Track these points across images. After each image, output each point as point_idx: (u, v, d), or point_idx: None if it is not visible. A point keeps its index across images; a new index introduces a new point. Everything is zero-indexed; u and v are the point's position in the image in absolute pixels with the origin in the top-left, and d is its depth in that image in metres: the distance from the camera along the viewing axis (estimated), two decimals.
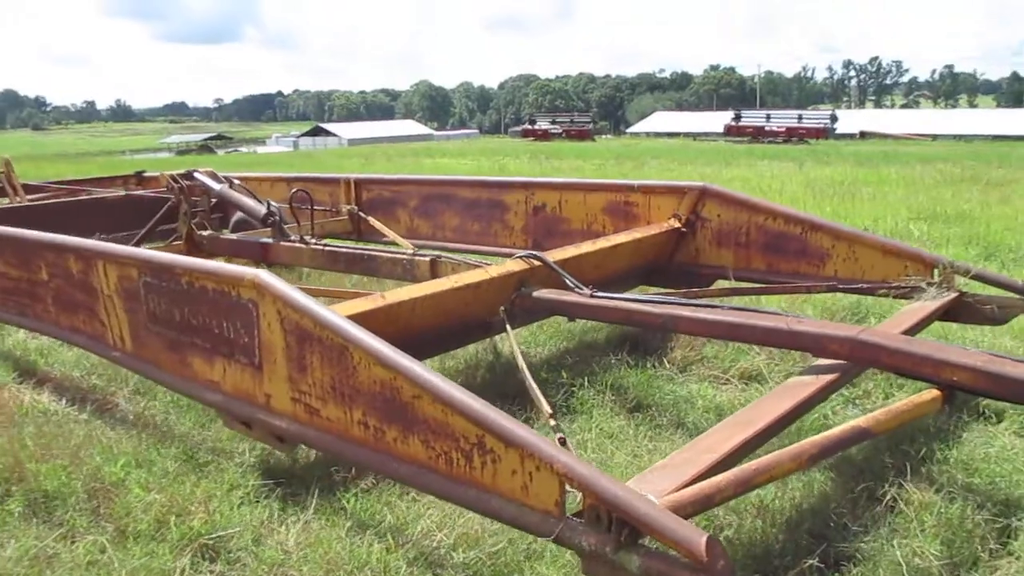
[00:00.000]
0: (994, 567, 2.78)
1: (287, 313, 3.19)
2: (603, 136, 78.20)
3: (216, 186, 6.92)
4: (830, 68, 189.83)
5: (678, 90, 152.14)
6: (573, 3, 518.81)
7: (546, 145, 44.67)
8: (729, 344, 5.02)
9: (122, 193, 9.65)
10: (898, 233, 8.82)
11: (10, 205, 8.91)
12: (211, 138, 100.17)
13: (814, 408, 3.37)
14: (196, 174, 7.13)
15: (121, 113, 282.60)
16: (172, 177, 7.06)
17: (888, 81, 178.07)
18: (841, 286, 4.74)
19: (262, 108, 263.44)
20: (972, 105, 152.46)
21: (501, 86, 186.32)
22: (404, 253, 5.54)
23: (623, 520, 2.21)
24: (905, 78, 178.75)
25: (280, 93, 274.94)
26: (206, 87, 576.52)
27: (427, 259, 5.29)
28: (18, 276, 5.30)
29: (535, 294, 4.38)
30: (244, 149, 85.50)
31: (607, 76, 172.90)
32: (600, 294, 4.27)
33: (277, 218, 6.30)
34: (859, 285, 4.69)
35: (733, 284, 5.03)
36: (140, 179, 10.70)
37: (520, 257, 4.55)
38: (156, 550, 2.87)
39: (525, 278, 4.45)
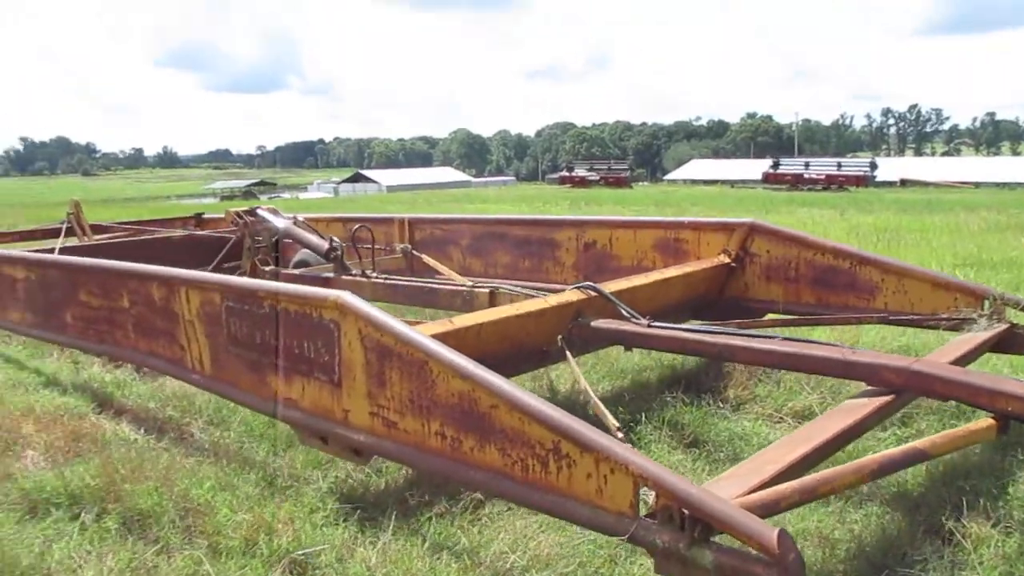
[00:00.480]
0: None
1: (368, 331, 3.40)
2: (640, 183, 78.50)
3: (280, 223, 7.23)
4: (868, 116, 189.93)
5: (715, 138, 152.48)
6: (609, 52, 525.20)
7: (584, 192, 45.04)
8: (780, 384, 5.14)
9: (185, 233, 10.09)
10: None
11: (80, 244, 9.34)
12: (255, 184, 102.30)
13: (870, 428, 3.46)
14: (260, 211, 7.45)
15: (167, 160, 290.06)
16: (237, 213, 7.39)
17: (928, 129, 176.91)
18: (892, 318, 4.85)
19: (303, 155, 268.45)
20: (1015, 153, 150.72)
21: (538, 134, 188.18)
22: (463, 285, 5.76)
23: (696, 518, 2.36)
24: (945, 125, 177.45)
25: (321, 140, 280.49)
26: (249, 135, 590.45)
27: (486, 291, 5.50)
28: (99, 305, 5.61)
29: (593, 324, 4.56)
30: (287, 195, 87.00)
31: (643, 124, 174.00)
32: (657, 324, 4.45)
33: (339, 253, 6.58)
34: (909, 317, 4.80)
35: (783, 317, 5.16)
36: (199, 221, 11.16)
37: (577, 288, 4.75)
38: (249, 564, 3.06)
39: (582, 308, 4.64)
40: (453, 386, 3.05)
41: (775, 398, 4.94)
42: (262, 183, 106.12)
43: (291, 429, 4.07)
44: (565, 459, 2.70)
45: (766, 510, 2.45)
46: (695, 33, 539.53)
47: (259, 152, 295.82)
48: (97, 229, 10.45)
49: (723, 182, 67.01)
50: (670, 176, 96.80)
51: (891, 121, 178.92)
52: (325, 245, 6.70)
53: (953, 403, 4.46)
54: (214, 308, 4.41)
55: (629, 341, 4.57)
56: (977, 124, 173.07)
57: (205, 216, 11.24)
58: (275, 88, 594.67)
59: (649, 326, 4.45)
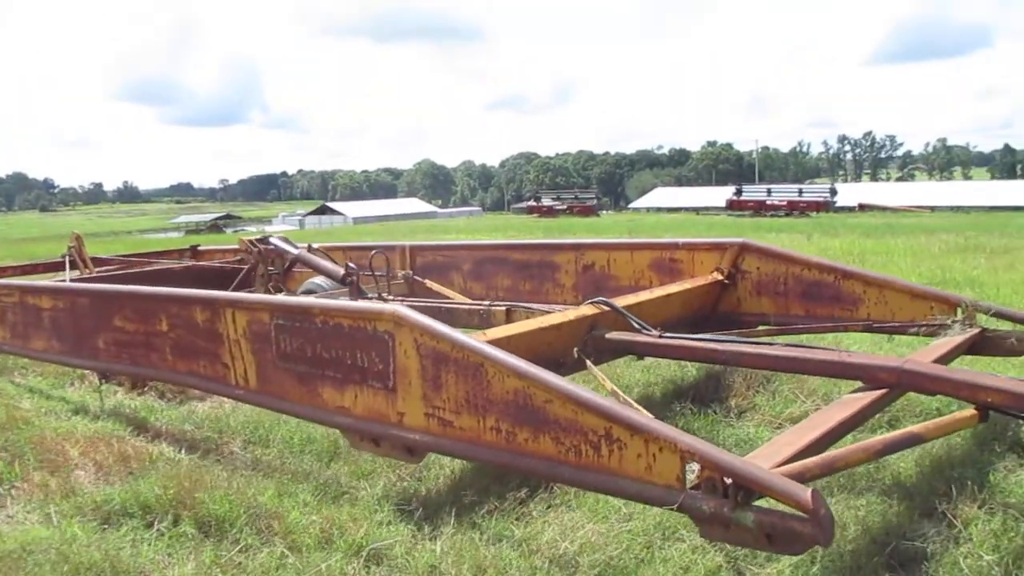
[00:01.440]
0: None
1: (424, 340, 3.77)
2: (605, 212, 79.61)
3: (294, 250, 7.59)
4: (825, 143, 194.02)
5: (676, 166, 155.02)
6: (571, 82, 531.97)
7: (554, 221, 45.69)
8: (776, 394, 5.60)
9: (188, 263, 10.40)
10: None
11: (88, 276, 9.59)
12: (220, 218, 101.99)
13: (867, 419, 3.89)
14: (273, 240, 7.80)
15: (128, 194, 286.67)
16: (251, 242, 7.72)
17: (883, 155, 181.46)
18: (875, 326, 5.33)
19: (267, 188, 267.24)
20: (967, 177, 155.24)
21: (502, 164, 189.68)
22: (481, 304, 6.16)
23: (738, 484, 2.76)
24: (900, 151, 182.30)
25: (284, 173, 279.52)
26: (211, 168, 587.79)
27: (503, 309, 5.90)
28: (134, 330, 5.90)
29: (608, 335, 4.97)
30: (252, 228, 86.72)
31: (606, 153, 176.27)
32: (668, 334, 4.88)
33: (355, 278, 6.94)
34: (891, 325, 5.28)
35: (775, 328, 5.61)
36: (195, 253, 11.46)
37: (591, 303, 5.17)
38: (330, 557, 3.41)
39: (596, 321, 5.05)
40: (509, 384, 3.43)
41: (773, 406, 5.38)
42: (228, 216, 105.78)
43: (341, 435, 4.41)
44: (616, 443, 3.09)
45: (795, 479, 2.86)
46: (655, 63, 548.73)
47: (222, 185, 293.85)
48: (97, 262, 10.70)
49: (687, 210, 68.30)
50: (634, 204, 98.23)
51: (847, 148, 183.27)
52: (341, 271, 7.06)
53: (934, 407, 4.97)
54: (263, 327, 4.75)
55: (642, 350, 4.98)
56: (930, 149, 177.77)
57: (201, 248, 11.55)
58: (237, 121, 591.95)
59: (660, 336, 4.89)
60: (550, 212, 61.82)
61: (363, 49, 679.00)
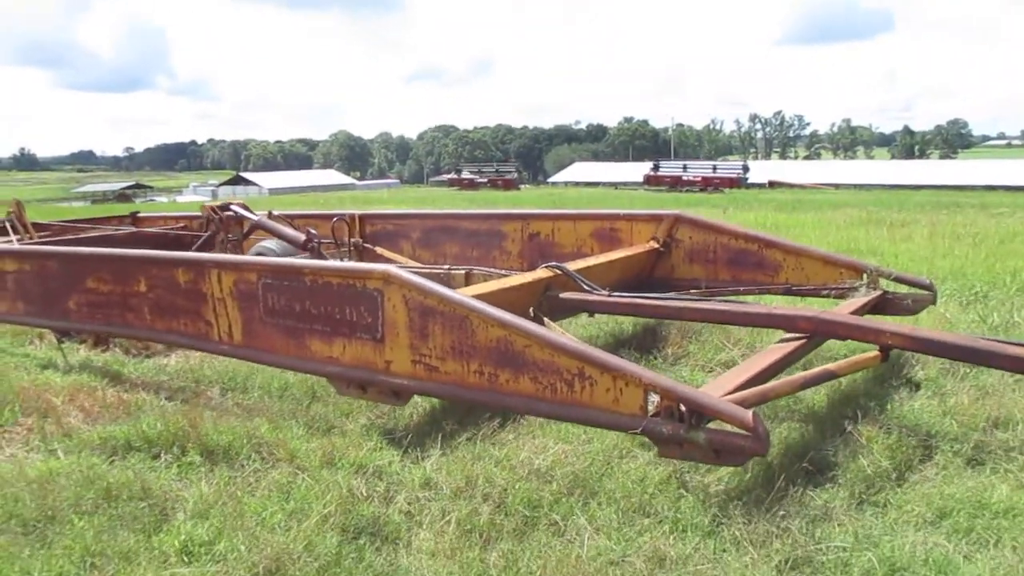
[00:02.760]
0: (921, 470, 4.02)
1: (412, 295, 4.26)
2: (524, 186, 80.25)
3: (254, 217, 7.90)
4: (737, 121, 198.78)
5: (594, 141, 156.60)
6: (489, 56, 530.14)
7: (478, 194, 46.09)
8: (707, 343, 6.27)
9: (132, 230, 10.52)
10: None
11: (37, 241, 9.63)
12: (128, 187, 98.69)
13: (793, 363, 4.57)
14: (233, 207, 8.09)
15: (25, 162, 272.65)
16: (212, 209, 8.01)
17: (792, 134, 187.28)
18: (793, 289, 6.04)
19: (175, 157, 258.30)
20: (869, 157, 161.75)
21: (420, 136, 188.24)
22: (441, 268, 6.64)
23: (692, 410, 3.39)
24: (807, 131, 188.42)
25: (194, 142, 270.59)
26: (115, 136, 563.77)
27: (462, 272, 6.40)
28: (109, 290, 6.17)
29: (562, 295, 5.55)
30: (162, 199, 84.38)
31: (524, 127, 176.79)
32: (616, 293, 5.48)
33: (316, 244, 7.33)
34: (806, 288, 5.99)
35: (706, 291, 6.27)
36: (135, 219, 11.51)
37: (546, 267, 5.73)
38: (336, 474, 3.89)
39: (550, 284, 5.62)
40: (492, 333, 3.96)
41: (704, 353, 6.05)
42: (137, 186, 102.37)
43: (328, 382, 4.86)
44: (588, 380, 3.68)
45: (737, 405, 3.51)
46: (573, 39, 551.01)
47: (127, 154, 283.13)
48: (37, 227, 10.69)
49: (605, 184, 69.34)
50: (553, 179, 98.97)
51: (758, 126, 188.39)
52: (302, 237, 7.44)
53: (843, 353, 5.70)
54: (249, 286, 5.14)
55: (594, 308, 5.58)
56: (835, 129, 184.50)
57: (141, 215, 11.62)
58: (141, 87, 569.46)
59: (609, 295, 5.48)
60: (471, 185, 62.17)
61: (276, 16, 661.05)
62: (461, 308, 4.09)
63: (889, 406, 4.83)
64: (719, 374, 5.65)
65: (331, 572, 3.07)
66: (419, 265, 7.43)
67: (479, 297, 4.94)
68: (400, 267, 5.78)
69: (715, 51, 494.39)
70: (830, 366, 4.23)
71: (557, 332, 4.21)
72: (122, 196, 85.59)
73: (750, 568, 2.98)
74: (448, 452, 4.19)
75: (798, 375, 4.03)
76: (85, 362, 6.66)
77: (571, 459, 4.03)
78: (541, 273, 5.64)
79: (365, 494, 3.70)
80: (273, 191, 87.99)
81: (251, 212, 8.12)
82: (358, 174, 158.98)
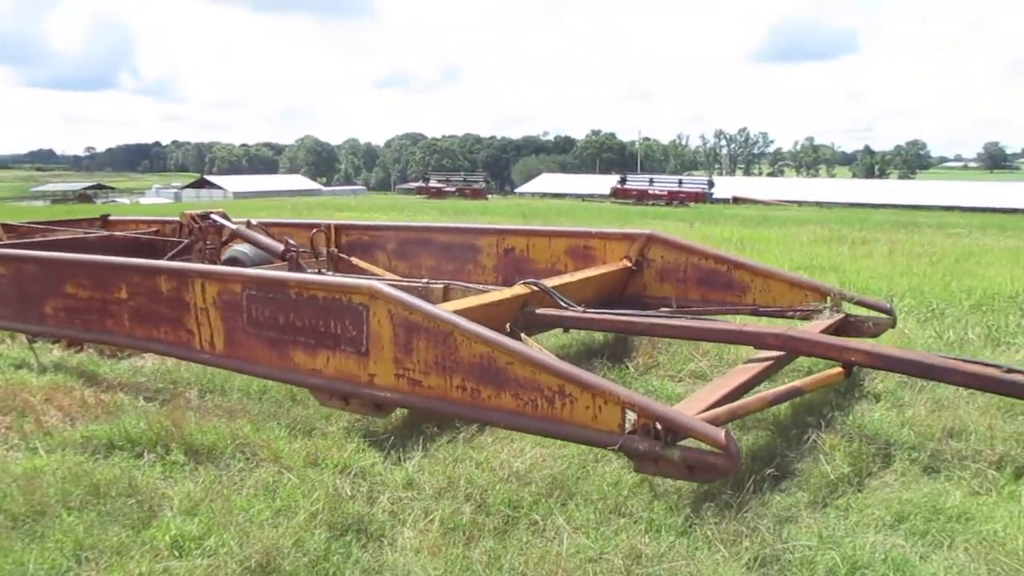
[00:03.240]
0: (881, 476, 4.23)
1: (397, 311, 4.39)
2: (492, 196, 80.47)
3: (232, 226, 7.96)
4: (703, 137, 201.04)
5: (561, 153, 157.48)
6: (458, 65, 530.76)
7: (447, 203, 46.13)
8: (676, 354, 6.45)
9: (104, 234, 10.48)
10: None
11: (8, 243, 9.56)
12: (89, 187, 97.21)
13: (761, 382, 4.77)
14: (213, 215, 8.14)
15: None
16: (192, 217, 8.05)
17: (756, 151, 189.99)
18: (760, 310, 6.24)
19: (137, 158, 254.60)
20: (831, 175, 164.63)
21: (387, 144, 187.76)
22: (419, 282, 6.75)
23: (667, 428, 3.55)
24: (771, 148, 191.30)
25: (157, 143, 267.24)
26: (76, 135, 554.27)
27: (440, 286, 6.53)
28: (89, 297, 6.19)
29: (538, 311, 5.70)
30: (124, 200, 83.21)
31: (492, 137, 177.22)
32: (591, 310, 5.65)
33: (295, 254, 7.40)
34: (773, 309, 6.21)
35: (676, 310, 6.46)
36: (105, 222, 11.46)
37: (523, 283, 5.87)
38: (322, 474, 4.00)
39: (527, 300, 5.77)
40: (475, 349, 4.10)
41: (674, 363, 6.23)
42: (98, 186, 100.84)
43: (310, 393, 4.95)
44: (568, 397, 3.83)
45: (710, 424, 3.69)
46: (542, 50, 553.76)
47: (88, 153, 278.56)
48: (6, 228, 10.61)
49: (572, 196, 69.85)
50: (520, 189, 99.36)
51: (723, 142, 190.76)
52: (280, 247, 7.50)
53: (806, 367, 5.92)
54: (233, 296, 5.20)
55: (569, 324, 5.74)
56: (798, 147, 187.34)
57: (112, 218, 11.58)
58: (104, 86, 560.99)
59: (584, 311, 5.65)
60: (439, 194, 62.20)
61: (244, 18, 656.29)
62: (445, 324, 4.22)
63: (850, 417, 5.04)
64: (689, 384, 5.87)
65: (320, 567, 3.17)
66: (397, 278, 7.53)
67: (460, 313, 5.05)
68: (382, 281, 5.90)
69: (683, 67, 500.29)
70: (796, 383, 4.45)
71: (536, 349, 4.36)
72: (83, 196, 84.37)
73: (722, 565, 3.14)
74: (429, 454, 4.31)
75: (767, 392, 4.24)
76: (60, 362, 6.67)
77: (548, 462, 4.17)
78: (519, 289, 5.78)
79: (350, 493, 3.80)
80: (238, 195, 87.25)
81: (230, 221, 8.17)
82: (324, 180, 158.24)
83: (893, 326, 5.96)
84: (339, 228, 8.90)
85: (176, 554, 3.26)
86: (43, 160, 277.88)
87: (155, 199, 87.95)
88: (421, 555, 3.29)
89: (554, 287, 5.95)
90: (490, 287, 6.96)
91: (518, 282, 5.98)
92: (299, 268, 7.41)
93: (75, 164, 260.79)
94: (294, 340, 4.92)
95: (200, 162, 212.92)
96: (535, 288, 5.79)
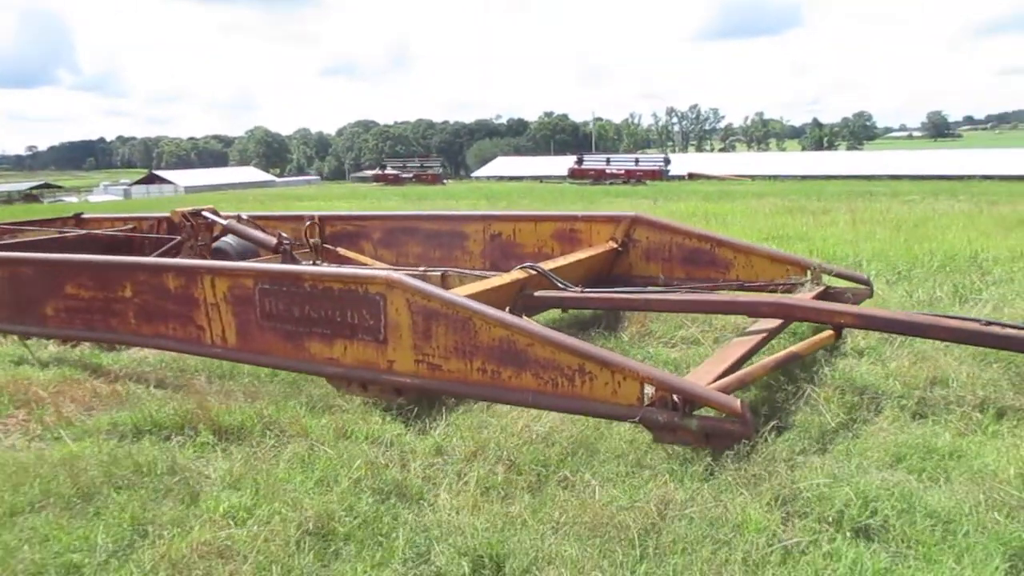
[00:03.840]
0: (875, 422, 4.52)
1: (415, 299, 4.55)
2: (448, 181, 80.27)
3: (223, 221, 8.04)
4: (655, 115, 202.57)
5: (515, 136, 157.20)
6: (407, 50, 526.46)
7: (405, 189, 46.03)
8: (667, 321, 6.70)
9: (82, 232, 10.46)
10: None
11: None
12: (36, 187, 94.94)
13: (759, 350, 5.05)
14: (204, 212, 8.21)
15: None
16: (184, 215, 8.12)
17: (707, 127, 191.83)
18: (745, 286, 6.51)
19: (82, 155, 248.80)
20: (781, 149, 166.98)
21: (339, 132, 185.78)
22: (416, 270, 6.89)
23: (685, 399, 3.80)
24: (722, 124, 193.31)
25: (102, 139, 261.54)
26: (15, 134, 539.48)
27: (438, 273, 6.71)
28: (91, 296, 6.24)
29: (537, 294, 5.91)
30: (72, 199, 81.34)
31: (445, 122, 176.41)
32: (589, 290, 5.88)
33: (288, 247, 7.51)
34: (755, 284, 6.47)
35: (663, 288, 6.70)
36: (79, 221, 11.40)
37: (521, 268, 6.08)
38: (354, 445, 4.17)
39: (525, 284, 5.97)
40: (495, 333, 4.30)
41: (666, 331, 6.48)
42: (45, 185, 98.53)
43: (327, 382, 5.10)
44: (588, 375, 4.06)
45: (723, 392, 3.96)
46: (491, 33, 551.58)
47: (30, 152, 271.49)
48: None
49: (528, 178, 70.07)
50: (476, 173, 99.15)
51: (675, 120, 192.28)
52: (273, 240, 7.61)
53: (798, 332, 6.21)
54: (245, 291, 5.32)
55: (568, 304, 5.97)
56: (748, 123, 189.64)
57: (85, 216, 11.52)
58: (42, 82, 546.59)
59: (582, 292, 5.88)
60: (396, 180, 61.91)
61: (186, 9, 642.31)
62: (464, 310, 4.41)
63: (838, 372, 5.33)
64: (682, 349, 6.13)
65: (373, 527, 3.36)
66: (386, 266, 7.67)
67: (473, 295, 5.22)
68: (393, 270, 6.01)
69: (633, 46, 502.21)
70: (793, 348, 4.79)
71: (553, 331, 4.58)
72: (29, 196, 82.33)
73: (748, 504, 3.39)
74: (451, 423, 4.50)
75: (768, 359, 4.60)
76: (60, 357, 6.73)
77: (567, 426, 4.39)
78: (517, 274, 5.98)
79: (384, 461, 3.99)
80: (189, 189, 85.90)
81: (220, 217, 8.26)
82: (277, 171, 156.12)
83: (871, 296, 6.29)
84: (324, 219, 8.99)
85: (232, 523, 3.42)
86: None
87: (104, 196, 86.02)
88: (463, 513, 3.48)
89: (550, 270, 6.16)
90: (480, 272, 7.17)
91: (515, 267, 6.18)
92: (293, 260, 7.54)
93: (17, 164, 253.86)
94: (309, 331, 5.05)
95: (148, 157, 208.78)
96: (532, 272, 6.00)
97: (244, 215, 8.43)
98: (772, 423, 4.38)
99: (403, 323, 4.64)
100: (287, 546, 3.19)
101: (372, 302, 4.74)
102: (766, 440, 4.14)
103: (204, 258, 8.07)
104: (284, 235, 7.69)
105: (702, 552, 3.05)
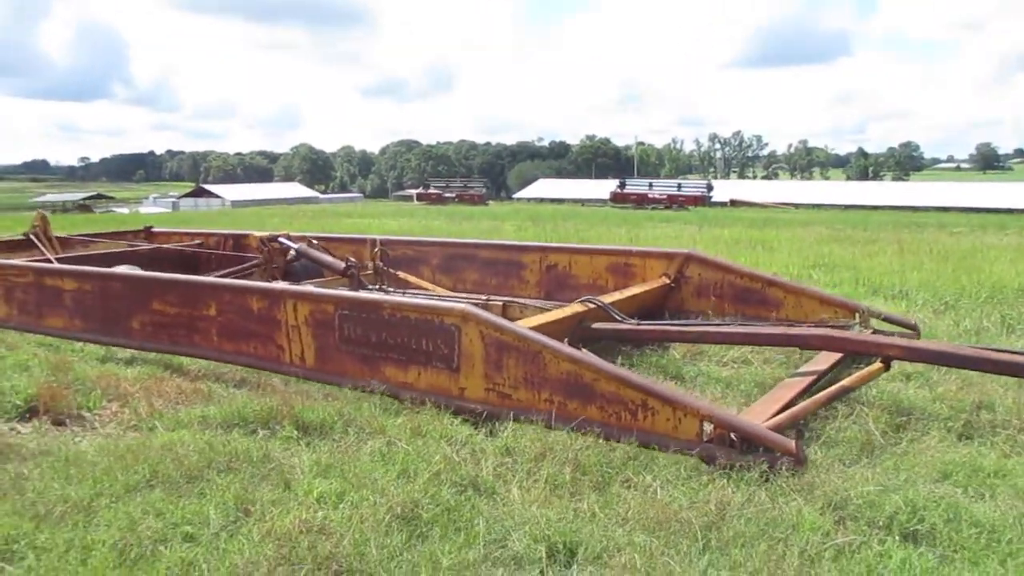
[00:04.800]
0: (922, 441, 4.72)
1: (488, 331, 4.87)
2: (491, 201, 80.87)
3: (295, 245, 8.50)
4: (697, 141, 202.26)
5: (556, 158, 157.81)
6: (451, 72, 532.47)
7: (452, 208, 46.65)
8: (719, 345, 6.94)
9: (153, 246, 11.05)
10: (803, 276, 11.18)
11: (71, 255, 10.04)
12: (89, 197, 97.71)
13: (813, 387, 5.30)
14: (280, 238, 8.68)
15: None
16: (262, 240, 8.62)
17: (750, 154, 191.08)
18: (795, 325, 6.71)
19: (132, 168, 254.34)
20: (825, 177, 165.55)
21: (383, 151, 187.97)
22: (478, 298, 7.21)
23: (742, 437, 4.05)
24: (765, 151, 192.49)
25: (152, 153, 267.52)
26: (69, 145, 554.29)
27: (500, 303, 7.04)
28: (176, 313, 6.64)
29: (595, 326, 6.20)
30: (124, 210, 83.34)
31: (487, 143, 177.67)
32: (645, 322, 6.18)
33: (356, 272, 7.89)
34: (805, 324, 6.67)
35: None
36: (149, 234, 11.97)
37: (580, 301, 6.39)
38: (429, 443, 4.49)
39: (585, 316, 6.26)
40: (563, 367, 4.60)
41: (717, 351, 6.71)
42: (98, 196, 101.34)
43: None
44: (650, 410, 4.34)
45: (776, 430, 4.23)
46: (535, 56, 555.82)
47: (82, 164, 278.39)
48: (61, 242, 11.11)
49: (569, 201, 70.27)
50: (518, 195, 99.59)
51: (718, 146, 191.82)
52: (341, 265, 8.02)
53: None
54: (326, 316, 5.68)
55: (625, 337, 6.25)
56: (792, 150, 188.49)
57: (155, 230, 12.09)
58: (97, 96, 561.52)
59: (639, 324, 6.18)
60: (439, 199, 62.75)
61: (236, 28, 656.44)
62: (535, 344, 4.73)
63: (886, 394, 5.54)
64: (733, 369, 6.37)
65: (455, 515, 3.66)
66: (446, 291, 8.02)
67: (539, 326, 5.45)
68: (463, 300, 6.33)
69: (677, 71, 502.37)
70: (843, 382, 5.07)
71: (616, 366, 4.86)
72: (83, 206, 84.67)
73: (802, 508, 3.64)
74: (518, 427, 4.80)
75: (820, 395, 4.90)
76: (136, 357, 7.11)
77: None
78: (578, 307, 6.30)
79: (458, 459, 4.30)
80: (236, 203, 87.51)
81: (293, 242, 8.74)
82: (322, 188, 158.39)
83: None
84: (385, 243, 9.35)
85: (325, 506, 3.74)
86: (37, 171, 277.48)
87: (153, 208, 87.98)
88: (534, 506, 3.77)
89: (608, 303, 6.44)
90: (537, 302, 7.49)
91: (573, 299, 6.52)
92: (360, 284, 7.89)
93: (70, 174, 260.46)
94: (385, 356, 5.39)
95: (195, 171, 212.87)
96: (591, 305, 6.31)
97: (314, 239, 8.90)
98: (822, 438, 4.64)
99: (476, 353, 4.95)
100: (378, 527, 3.50)
101: (447, 332, 5.06)
102: (816, 451, 4.40)
103: (276, 279, 8.52)
104: (352, 259, 8.08)
105: (760, 547, 3.31)
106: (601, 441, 4.47)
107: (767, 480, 3.97)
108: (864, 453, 4.48)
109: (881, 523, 3.54)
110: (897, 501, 3.66)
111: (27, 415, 5.49)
